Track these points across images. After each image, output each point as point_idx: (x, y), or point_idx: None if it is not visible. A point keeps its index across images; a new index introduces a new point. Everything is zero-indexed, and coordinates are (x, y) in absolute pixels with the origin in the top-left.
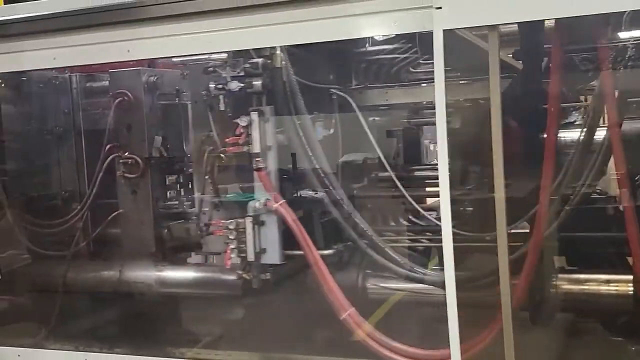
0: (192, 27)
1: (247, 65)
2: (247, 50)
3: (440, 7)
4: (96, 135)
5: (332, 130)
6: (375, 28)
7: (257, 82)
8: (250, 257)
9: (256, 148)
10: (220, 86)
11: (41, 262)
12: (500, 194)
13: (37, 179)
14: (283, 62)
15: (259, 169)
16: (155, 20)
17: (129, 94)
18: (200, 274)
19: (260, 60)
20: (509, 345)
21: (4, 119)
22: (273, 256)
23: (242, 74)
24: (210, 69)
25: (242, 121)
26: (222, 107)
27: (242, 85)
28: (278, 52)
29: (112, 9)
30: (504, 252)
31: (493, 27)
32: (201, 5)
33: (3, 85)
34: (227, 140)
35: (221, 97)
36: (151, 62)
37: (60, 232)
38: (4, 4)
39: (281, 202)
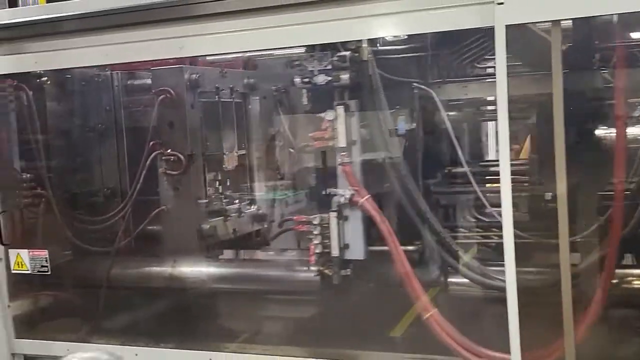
0: (246, 24)
1: (335, 58)
2: (333, 44)
3: (502, 3)
4: (138, 132)
5: (414, 125)
6: (437, 24)
7: (345, 76)
8: (335, 252)
9: (342, 142)
10: (306, 79)
11: (85, 257)
12: (562, 191)
13: (80, 175)
14: (369, 56)
15: (343, 164)
16: (209, 17)
17: (172, 91)
18: (268, 271)
19: (348, 53)
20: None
21: (49, 116)
22: (357, 252)
23: (329, 67)
24: (297, 62)
25: (329, 115)
26: (305, 101)
27: (329, 78)
28: (365, 45)
29: (165, 6)
30: (565, 250)
31: (556, 22)
32: (255, 2)
33: (49, 82)
34: (311, 134)
35: (304, 91)
36: (193, 60)
37: (104, 228)
38: (47, 2)
39: (367, 197)
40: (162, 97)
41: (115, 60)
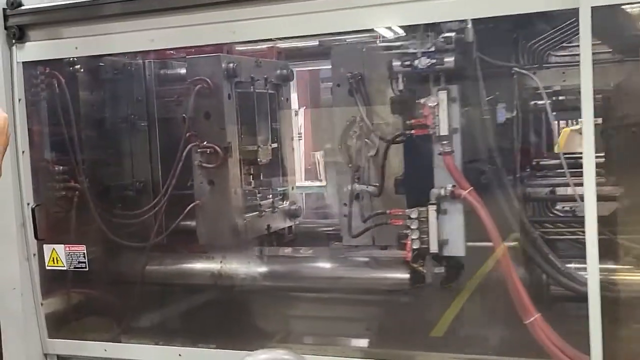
0: (302, 7)
1: (441, 40)
2: (437, 24)
3: None
4: (171, 123)
5: (514, 113)
6: (518, 6)
7: (450, 59)
8: (433, 248)
9: (443, 130)
10: (407, 63)
11: (118, 253)
12: None
13: (112, 168)
14: (474, 37)
15: (445, 153)
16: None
17: (209, 81)
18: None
19: (453, 34)
20: None
21: (81, 106)
22: (457, 248)
23: (432, 49)
24: (397, 44)
25: (431, 101)
26: (400, 87)
27: (433, 61)
28: (469, 25)
29: None
30: None
31: None
32: None
33: (82, 70)
34: (410, 122)
35: (400, 76)
36: (230, 48)
37: (138, 222)
38: None
39: (469, 189)
40: (198, 86)
41: (162, 45)
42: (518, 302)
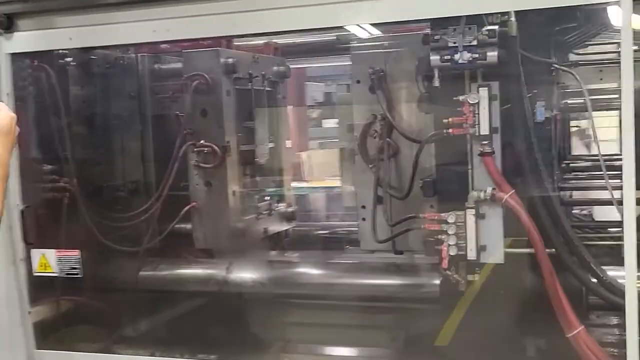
0: None
1: (484, 32)
2: (479, 16)
3: None
4: (166, 121)
5: (554, 112)
6: None
7: (493, 53)
8: (472, 255)
9: (484, 130)
10: (447, 57)
11: (109, 258)
12: None
13: (104, 168)
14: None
15: (485, 154)
16: None
17: (206, 76)
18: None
19: (497, 27)
20: None
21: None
22: (495, 254)
23: (474, 43)
24: (437, 36)
25: (472, 98)
26: (436, 83)
27: (475, 56)
28: (513, 18)
29: None
30: None
31: None
32: None
33: (73, 64)
34: (447, 120)
35: (436, 71)
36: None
37: (130, 226)
38: None
39: (511, 192)
40: (195, 82)
41: (165, 37)
42: (560, 314)
